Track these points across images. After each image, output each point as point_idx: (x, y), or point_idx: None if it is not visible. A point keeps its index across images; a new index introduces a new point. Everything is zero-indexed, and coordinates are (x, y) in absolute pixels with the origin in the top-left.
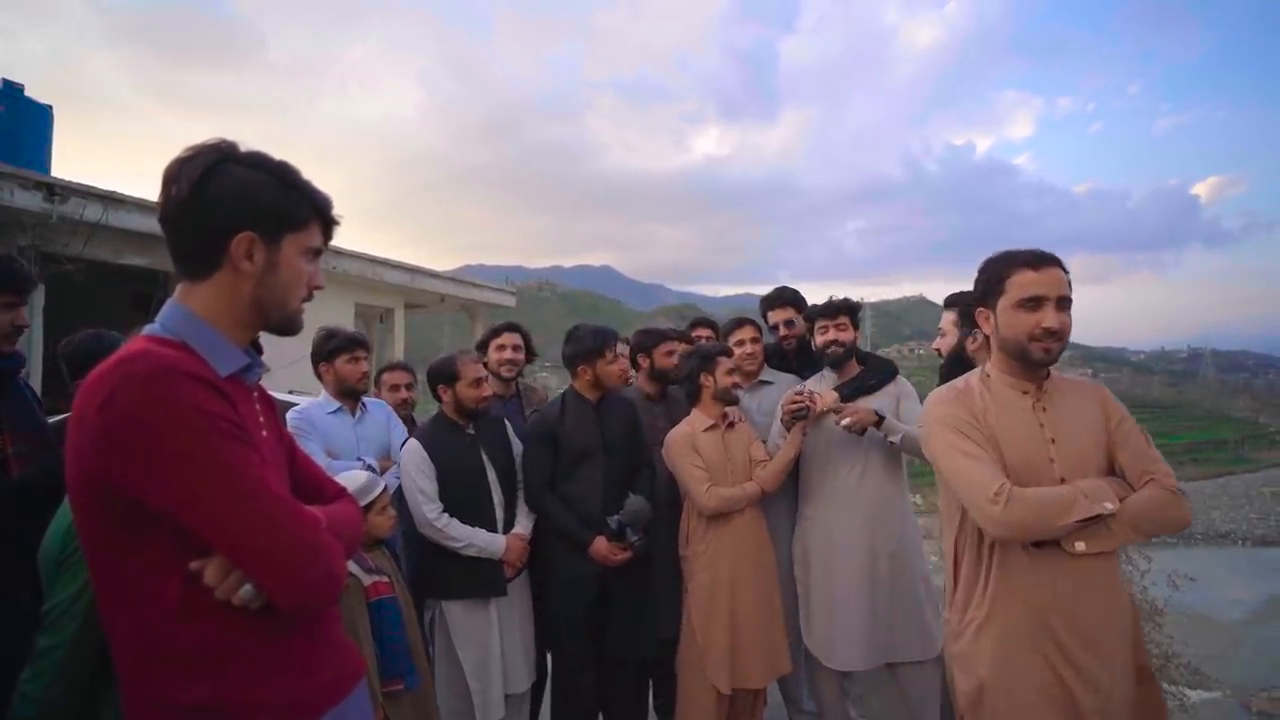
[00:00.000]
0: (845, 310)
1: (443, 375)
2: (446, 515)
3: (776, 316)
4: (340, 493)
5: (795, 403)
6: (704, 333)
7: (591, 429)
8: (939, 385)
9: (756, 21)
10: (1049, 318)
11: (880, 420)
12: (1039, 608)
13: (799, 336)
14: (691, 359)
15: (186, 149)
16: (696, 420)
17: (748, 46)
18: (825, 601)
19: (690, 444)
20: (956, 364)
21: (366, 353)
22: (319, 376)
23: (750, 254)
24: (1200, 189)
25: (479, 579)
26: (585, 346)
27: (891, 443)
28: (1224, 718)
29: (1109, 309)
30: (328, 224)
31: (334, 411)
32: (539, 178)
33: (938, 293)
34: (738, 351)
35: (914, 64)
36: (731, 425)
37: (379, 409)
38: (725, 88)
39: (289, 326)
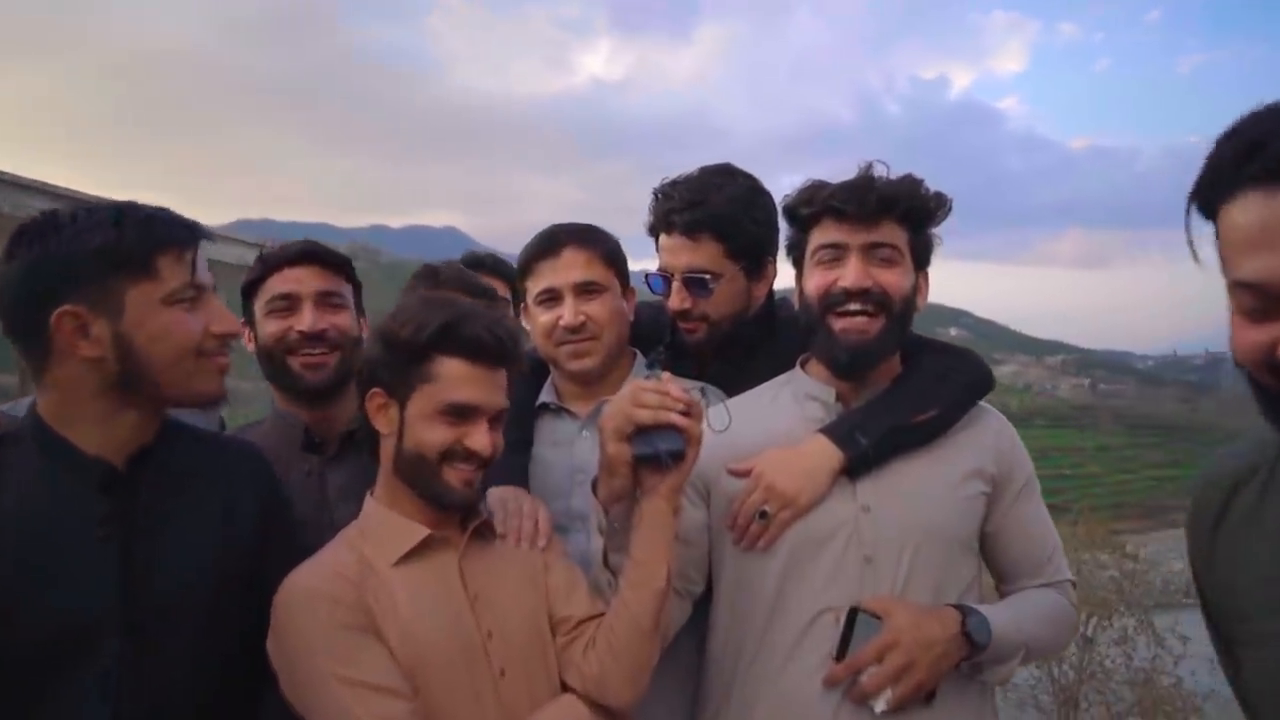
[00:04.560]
0: (912, 213)
1: None
2: None
3: (674, 257)
4: None
5: (643, 407)
6: (496, 282)
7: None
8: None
9: None
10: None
11: (974, 649)
12: None
13: (734, 315)
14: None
15: None
16: (387, 529)
17: None
18: None
19: (359, 617)
20: None
21: None
22: None
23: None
24: None
25: None
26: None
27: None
28: None
29: (1109, 301)
30: None
31: None
32: (357, 102)
33: None
34: (542, 318)
35: None
36: (491, 533)
37: None
38: None
39: None
